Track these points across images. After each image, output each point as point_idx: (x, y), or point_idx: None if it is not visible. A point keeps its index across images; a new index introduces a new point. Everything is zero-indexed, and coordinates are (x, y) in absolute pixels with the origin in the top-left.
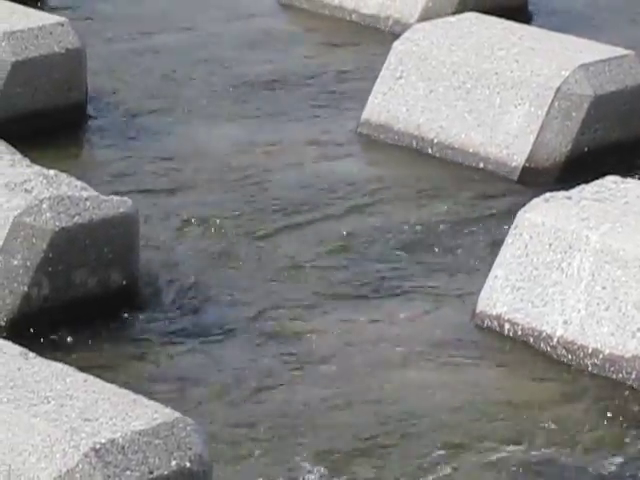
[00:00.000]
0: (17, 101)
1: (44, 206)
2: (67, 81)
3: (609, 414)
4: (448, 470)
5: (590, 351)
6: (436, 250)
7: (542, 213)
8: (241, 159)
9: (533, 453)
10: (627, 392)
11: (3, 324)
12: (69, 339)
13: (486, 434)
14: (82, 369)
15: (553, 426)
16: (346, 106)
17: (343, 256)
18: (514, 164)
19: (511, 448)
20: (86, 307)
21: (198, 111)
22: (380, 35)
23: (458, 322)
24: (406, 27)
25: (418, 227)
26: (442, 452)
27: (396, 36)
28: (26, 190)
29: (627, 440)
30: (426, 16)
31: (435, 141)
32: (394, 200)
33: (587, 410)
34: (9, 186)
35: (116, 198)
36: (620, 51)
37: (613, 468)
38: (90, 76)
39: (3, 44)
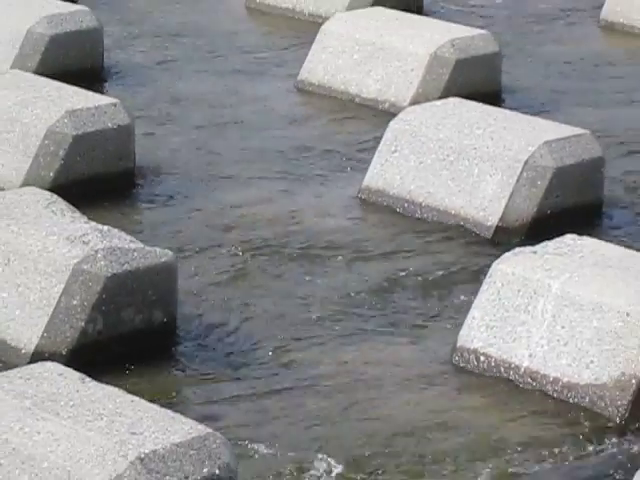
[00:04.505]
0: (77, 168)
1: (99, 256)
2: (118, 152)
3: (567, 431)
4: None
5: (551, 379)
6: (423, 295)
7: (512, 265)
8: (264, 216)
9: (501, 465)
10: (582, 413)
11: (64, 354)
12: (119, 367)
13: (461, 447)
14: (129, 392)
15: (518, 440)
16: (349, 174)
17: (343, 302)
18: (489, 224)
19: (482, 459)
20: (133, 340)
21: (225, 178)
22: (378, 115)
23: (442, 354)
24: (400, 109)
25: (408, 275)
26: (421, 466)
27: (392, 116)
28: (84, 242)
29: (583, 452)
30: (417, 100)
31: (423, 204)
32: (387, 251)
33: (548, 428)
34: (70, 239)
35: (158, 249)
36: (578, 130)
37: (567, 473)
38: (138, 147)
39: (66, 120)
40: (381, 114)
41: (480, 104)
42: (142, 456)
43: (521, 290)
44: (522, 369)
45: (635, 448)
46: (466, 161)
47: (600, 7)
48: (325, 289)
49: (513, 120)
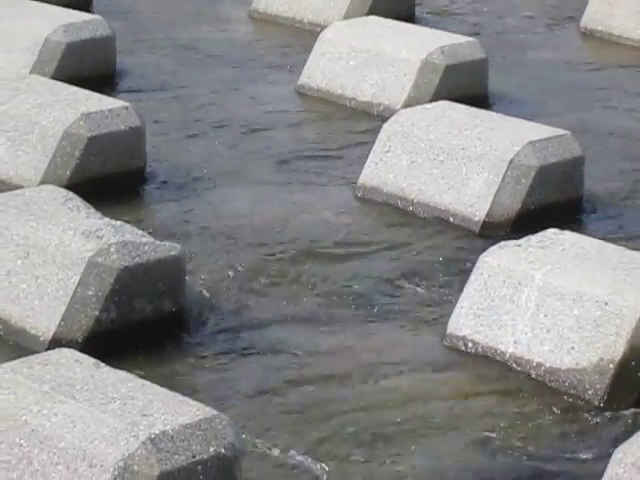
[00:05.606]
0: (91, 167)
1: (112, 249)
2: (130, 152)
3: (549, 412)
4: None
5: (535, 364)
6: (415, 285)
7: (498, 257)
8: (268, 212)
9: (481, 435)
10: (563, 396)
11: (80, 341)
12: (131, 353)
13: (452, 420)
14: (141, 376)
15: (503, 418)
16: (346, 173)
17: (340, 292)
18: (476, 219)
19: (467, 431)
20: (144, 328)
21: (229, 177)
22: (373, 118)
23: (433, 341)
24: (393, 112)
25: (400, 266)
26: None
27: (385, 119)
28: (98, 237)
29: (564, 433)
30: (409, 103)
31: (415, 201)
32: (381, 244)
33: (530, 407)
34: (85, 233)
35: (168, 243)
36: (560, 131)
37: (549, 451)
38: (148, 147)
39: (81, 123)
40: (375, 116)
41: (468, 107)
42: (152, 436)
43: (506, 281)
44: (507, 355)
45: (613, 429)
46: (455, 160)
47: (580, 15)
48: (323, 280)
49: (499, 122)
